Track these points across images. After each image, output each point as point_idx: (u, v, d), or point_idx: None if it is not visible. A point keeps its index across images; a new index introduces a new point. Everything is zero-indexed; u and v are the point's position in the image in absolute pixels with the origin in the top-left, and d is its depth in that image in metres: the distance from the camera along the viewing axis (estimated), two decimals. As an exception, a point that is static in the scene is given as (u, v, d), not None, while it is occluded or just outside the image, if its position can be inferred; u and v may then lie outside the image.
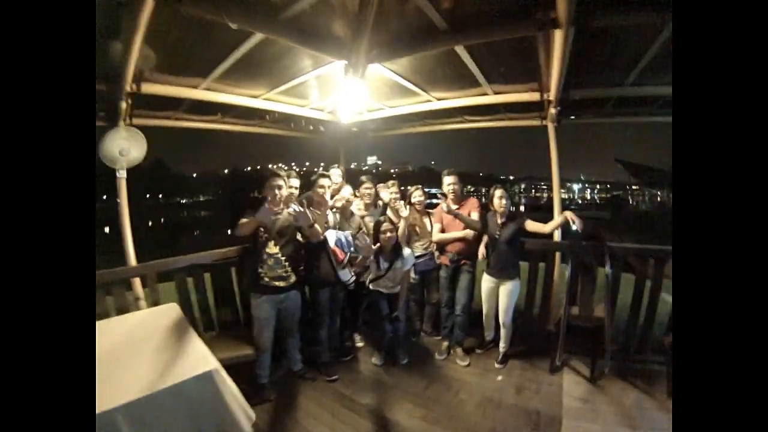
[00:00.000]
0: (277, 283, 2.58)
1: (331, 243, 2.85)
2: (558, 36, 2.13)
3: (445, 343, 3.40)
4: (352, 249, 2.97)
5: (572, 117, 4.16)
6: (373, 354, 3.29)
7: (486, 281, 3.13)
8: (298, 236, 2.76)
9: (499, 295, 3.04)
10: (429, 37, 2.41)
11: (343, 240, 2.92)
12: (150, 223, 44.98)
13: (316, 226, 2.63)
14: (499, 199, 3.04)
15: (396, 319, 3.12)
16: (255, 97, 3.62)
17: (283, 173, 2.63)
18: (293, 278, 2.66)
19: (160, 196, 76.54)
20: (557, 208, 4.18)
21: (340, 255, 2.87)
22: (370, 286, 3.10)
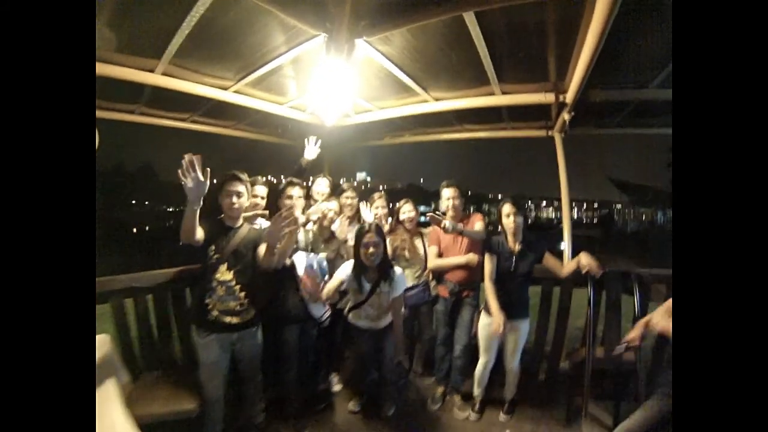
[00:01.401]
0: (228, 319, 2.01)
1: (300, 270, 2.27)
2: (601, 6, 1.62)
3: (440, 389, 2.83)
4: (326, 278, 2.40)
5: (583, 126, 3.78)
6: (352, 399, 2.70)
7: (488, 321, 2.47)
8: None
9: (507, 339, 2.45)
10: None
11: (316, 266, 2.35)
12: (134, 230, 43.56)
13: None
14: (507, 216, 2.42)
15: (387, 362, 2.49)
16: (224, 88, 3.08)
17: (244, 176, 2.11)
18: (250, 313, 2.08)
19: (147, 203, 74.71)
20: (567, 230, 3.75)
21: (311, 286, 2.29)
22: (349, 317, 2.47)
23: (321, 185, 2.94)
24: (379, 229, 2.32)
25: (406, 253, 2.81)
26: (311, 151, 3.05)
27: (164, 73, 2.70)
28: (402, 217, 2.90)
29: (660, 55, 2.37)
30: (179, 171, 1.60)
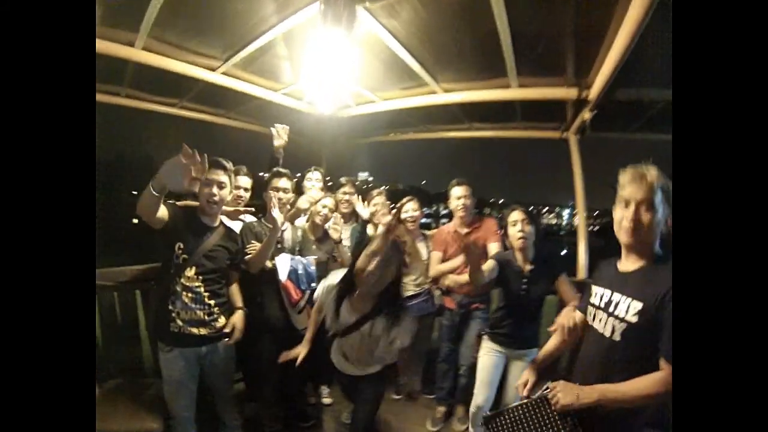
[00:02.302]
0: (195, 330, 1.71)
1: (283, 275, 1.97)
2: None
3: (441, 409, 2.54)
4: (313, 285, 2.09)
5: (603, 129, 3.51)
6: (344, 412, 2.45)
7: (489, 352, 2.07)
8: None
9: (509, 374, 2.05)
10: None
11: (301, 271, 2.05)
12: (135, 221, 43.27)
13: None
14: (514, 225, 1.99)
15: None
16: (211, 69, 2.78)
17: (229, 164, 1.81)
18: (220, 321, 1.79)
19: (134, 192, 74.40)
20: (582, 240, 3.47)
21: (295, 294, 1.99)
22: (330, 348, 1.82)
23: (312, 178, 2.64)
24: (395, 244, 1.60)
25: (406, 258, 2.46)
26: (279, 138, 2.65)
27: (145, 48, 2.42)
28: (404, 215, 2.57)
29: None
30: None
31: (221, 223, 1.87)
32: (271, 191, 2.10)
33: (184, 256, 1.70)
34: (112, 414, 1.84)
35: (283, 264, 1.99)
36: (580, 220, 3.47)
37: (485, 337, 2.13)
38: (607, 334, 1.21)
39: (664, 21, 1.61)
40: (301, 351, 1.76)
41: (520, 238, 1.97)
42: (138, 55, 2.43)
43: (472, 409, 2.11)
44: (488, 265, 1.94)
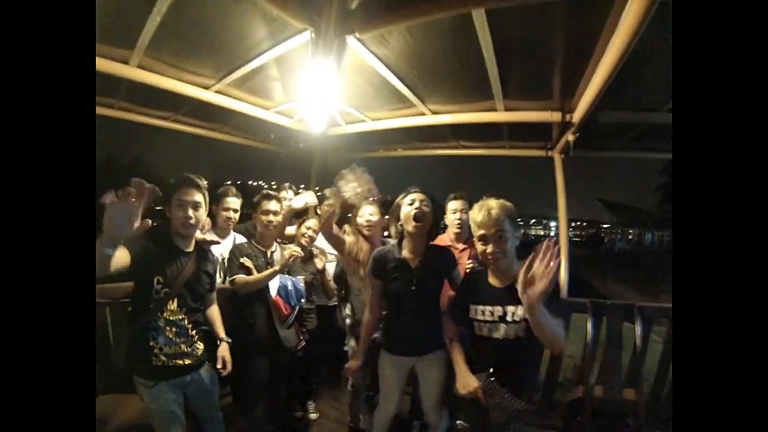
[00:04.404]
0: (180, 362, 1.64)
1: (273, 291, 2.01)
2: (634, 10, 1.40)
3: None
4: (302, 301, 2.13)
5: (586, 148, 3.62)
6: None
7: (391, 363, 1.86)
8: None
9: (420, 381, 1.90)
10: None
11: (290, 287, 2.08)
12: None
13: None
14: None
15: None
16: (205, 87, 2.83)
17: (202, 182, 1.66)
18: (200, 347, 1.73)
19: (134, 200, 72.87)
20: (564, 251, 3.56)
21: (284, 309, 2.02)
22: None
23: (306, 198, 2.59)
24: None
25: (361, 270, 2.10)
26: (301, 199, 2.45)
27: (140, 66, 2.46)
28: (359, 220, 2.19)
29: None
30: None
31: (195, 244, 1.75)
32: (261, 215, 2.10)
33: (165, 290, 1.58)
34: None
35: (273, 282, 2.03)
36: (561, 237, 3.55)
37: (385, 352, 1.97)
38: (511, 336, 1.45)
39: (646, 49, 1.74)
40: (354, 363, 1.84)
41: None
42: (133, 72, 2.46)
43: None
44: None
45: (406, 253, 1.78)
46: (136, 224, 1.20)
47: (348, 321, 2.31)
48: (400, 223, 1.77)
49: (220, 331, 1.89)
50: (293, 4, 1.66)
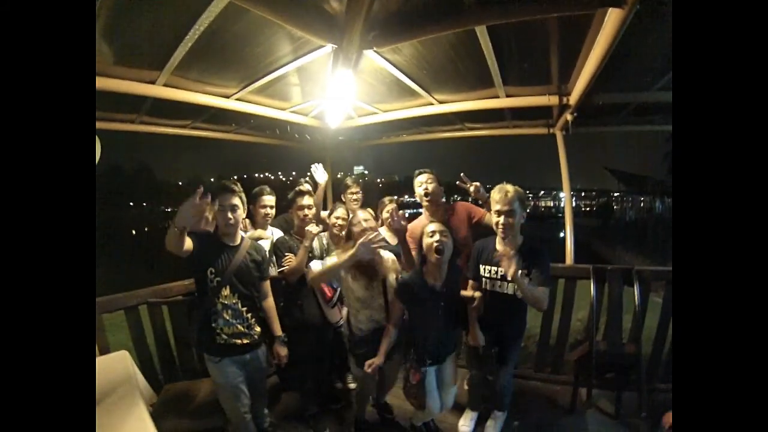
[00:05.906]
0: (239, 341, 1.92)
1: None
2: (613, 18, 1.62)
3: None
4: (336, 285, 2.39)
5: (586, 125, 3.78)
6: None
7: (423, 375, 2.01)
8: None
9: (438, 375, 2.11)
10: (449, 14, 1.77)
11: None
12: (134, 232, 43.46)
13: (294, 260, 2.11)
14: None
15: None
16: (226, 96, 3.05)
17: (237, 187, 1.90)
18: (257, 330, 2.01)
19: (144, 204, 74.59)
20: (569, 223, 3.78)
21: (328, 292, 2.29)
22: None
23: (318, 173, 2.77)
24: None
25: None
26: (320, 175, 2.79)
27: (166, 84, 2.66)
28: (333, 219, 2.43)
29: (662, 60, 2.39)
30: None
31: (242, 239, 1.99)
32: (297, 210, 2.34)
33: (217, 278, 1.85)
34: (179, 415, 2.03)
35: (315, 268, 2.21)
36: (566, 209, 3.76)
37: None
38: (510, 293, 1.95)
39: (635, 36, 1.93)
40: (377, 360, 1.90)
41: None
42: (158, 90, 2.66)
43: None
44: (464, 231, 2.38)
45: (430, 280, 1.87)
46: (199, 223, 1.60)
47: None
48: (423, 252, 1.88)
49: (277, 329, 2.12)
50: (319, 26, 1.88)
